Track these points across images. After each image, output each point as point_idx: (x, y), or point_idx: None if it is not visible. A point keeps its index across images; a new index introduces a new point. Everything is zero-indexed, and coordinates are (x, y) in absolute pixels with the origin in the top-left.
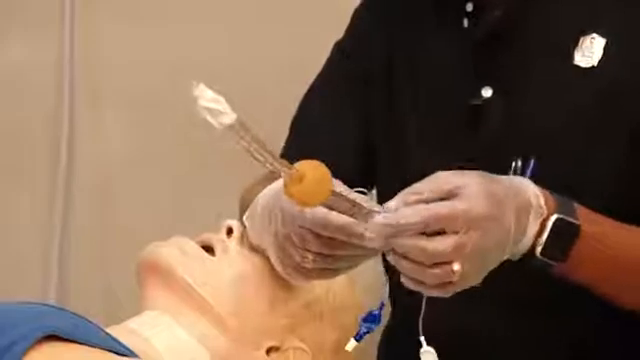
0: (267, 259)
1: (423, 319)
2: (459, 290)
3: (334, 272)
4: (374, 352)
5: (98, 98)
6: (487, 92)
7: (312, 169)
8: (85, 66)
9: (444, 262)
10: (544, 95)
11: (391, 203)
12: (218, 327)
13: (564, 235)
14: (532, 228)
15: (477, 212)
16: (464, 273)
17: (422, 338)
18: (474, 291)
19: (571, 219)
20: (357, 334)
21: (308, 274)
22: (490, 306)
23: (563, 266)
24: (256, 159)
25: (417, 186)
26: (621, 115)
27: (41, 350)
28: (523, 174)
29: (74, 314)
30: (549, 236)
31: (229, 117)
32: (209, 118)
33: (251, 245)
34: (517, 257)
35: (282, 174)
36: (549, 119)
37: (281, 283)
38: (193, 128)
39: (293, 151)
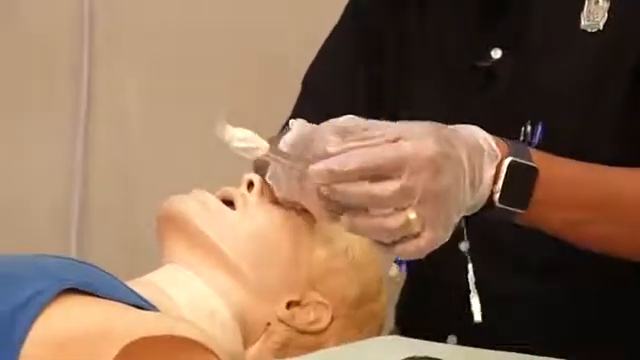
0: (289, 213)
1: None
2: (432, 248)
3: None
4: (392, 312)
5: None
6: (496, 53)
7: None
8: (105, 23)
9: (399, 210)
10: (552, 56)
11: (331, 149)
12: (237, 281)
13: (521, 179)
14: (487, 171)
15: (425, 153)
16: (426, 222)
17: (471, 281)
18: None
19: (527, 161)
20: (397, 260)
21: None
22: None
23: (525, 214)
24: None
25: (362, 133)
26: (627, 72)
27: (60, 304)
28: (532, 138)
29: (93, 266)
30: (505, 181)
31: (262, 150)
32: (244, 155)
33: (273, 199)
34: (477, 208)
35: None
36: (557, 80)
37: (302, 237)
38: (215, 90)
39: (307, 110)
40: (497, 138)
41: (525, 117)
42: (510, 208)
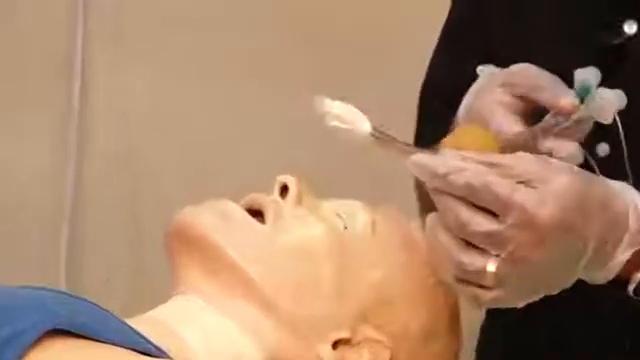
0: (335, 226)
1: None
2: (493, 307)
3: None
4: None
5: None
6: (631, 28)
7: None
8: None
9: (479, 250)
10: None
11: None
12: (269, 315)
13: None
14: (621, 254)
15: (541, 216)
16: (503, 284)
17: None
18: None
19: None
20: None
21: None
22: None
23: None
24: (400, 155)
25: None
26: None
27: (46, 347)
28: None
29: (88, 302)
30: None
31: (365, 127)
32: (345, 134)
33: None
34: (591, 282)
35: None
36: None
37: (351, 257)
38: (226, 76)
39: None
40: None
41: None
42: None
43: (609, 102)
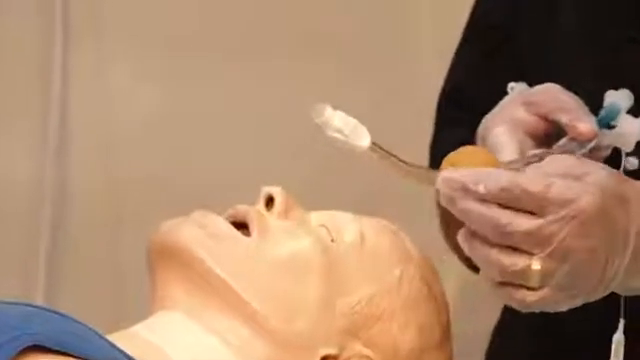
0: (323, 238)
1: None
2: (542, 309)
3: None
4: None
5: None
6: None
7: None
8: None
9: (521, 251)
10: None
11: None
12: (257, 331)
13: None
14: None
15: (585, 208)
16: (550, 281)
17: (621, 322)
18: None
19: None
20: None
21: None
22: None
23: None
24: (398, 173)
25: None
26: None
27: None
28: None
29: (65, 315)
30: None
31: (364, 141)
32: (342, 146)
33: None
34: (633, 293)
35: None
36: None
37: (339, 271)
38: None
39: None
40: None
41: None
42: None
43: (633, 130)
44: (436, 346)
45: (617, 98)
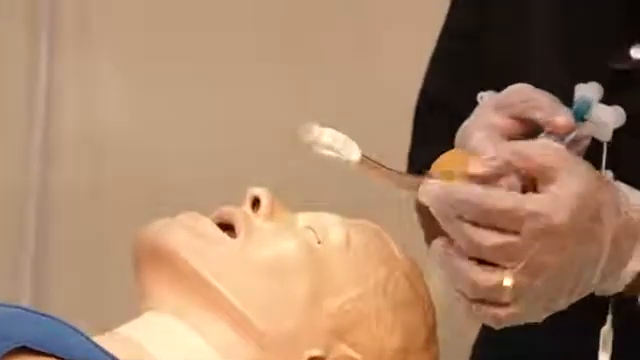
0: (308, 240)
1: None
2: (512, 324)
3: None
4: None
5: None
6: (638, 53)
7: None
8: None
9: (493, 266)
10: None
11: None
12: (243, 332)
13: None
14: (636, 263)
15: (555, 219)
16: (521, 297)
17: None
18: None
19: None
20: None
21: None
22: None
23: None
24: (390, 182)
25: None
26: None
27: None
28: None
29: (51, 317)
30: None
31: (354, 156)
32: (333, 161)
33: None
34: (608, 293)
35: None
36: None
37: (325, 273)
38: (203, 79)
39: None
40: None
41: None
42: None
43: (608, 119)
44: (422, 347)
45: (586, 91)
